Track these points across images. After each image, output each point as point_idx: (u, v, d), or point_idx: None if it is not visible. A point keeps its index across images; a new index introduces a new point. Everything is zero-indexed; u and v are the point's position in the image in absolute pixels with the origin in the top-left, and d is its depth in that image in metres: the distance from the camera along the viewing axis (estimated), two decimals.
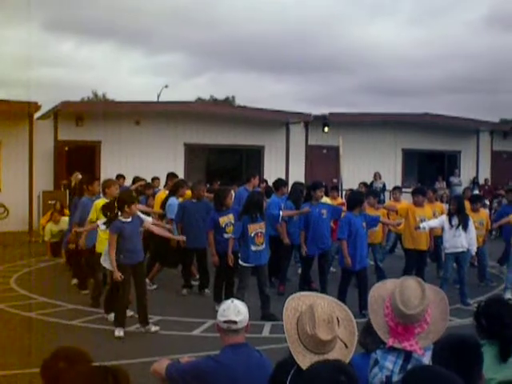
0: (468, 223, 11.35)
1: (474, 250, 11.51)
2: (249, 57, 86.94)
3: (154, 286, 12.04)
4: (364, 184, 17.58)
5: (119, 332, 8.88)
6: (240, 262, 10.00)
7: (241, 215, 10.16)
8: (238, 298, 4.66)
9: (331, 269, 12.60)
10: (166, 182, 14.13)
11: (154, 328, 9.18)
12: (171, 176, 14.09)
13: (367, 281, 10.39)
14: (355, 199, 10.80)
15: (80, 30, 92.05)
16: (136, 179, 15.66)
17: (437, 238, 12.61)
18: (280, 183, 12.78)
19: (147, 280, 10.91)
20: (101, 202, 10.33)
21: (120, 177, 16.23)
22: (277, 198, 12.27)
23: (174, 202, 12.00)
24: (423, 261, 12.19)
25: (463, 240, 11.26)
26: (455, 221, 11.31)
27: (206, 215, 11.32)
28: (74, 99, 28.88)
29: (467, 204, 12.35)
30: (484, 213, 12.98)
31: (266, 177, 22.71)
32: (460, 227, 11.23)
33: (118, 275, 8.78)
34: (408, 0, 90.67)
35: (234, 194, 11.99)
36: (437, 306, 3.59)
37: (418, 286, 3.54)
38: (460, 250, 11.33)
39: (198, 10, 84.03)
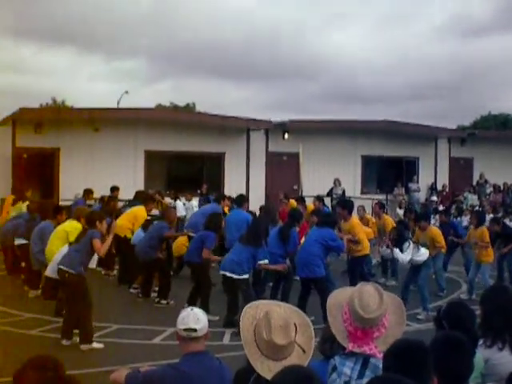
0: (402, 248, 11.52)
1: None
2: (210, 63, 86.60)
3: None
4: (318, 198, 16.07)
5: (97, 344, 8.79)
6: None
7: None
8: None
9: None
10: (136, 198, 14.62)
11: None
12: (140, 194, 14.81)
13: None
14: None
15: (40, 36, 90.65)
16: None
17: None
18: (242, 198, 13.34)
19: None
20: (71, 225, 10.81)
21: (88, 192, 16.16)
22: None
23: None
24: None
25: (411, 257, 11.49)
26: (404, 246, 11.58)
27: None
28: (32, 106, 28.49)
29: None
30: (432, 230, 12.43)
31: (226, 183, 23.35)
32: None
33: None
34: (370, 8, 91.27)
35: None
36: (393, 312, 3.66)
37: (375, 292, 3.60)
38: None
39: (159, 15, 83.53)
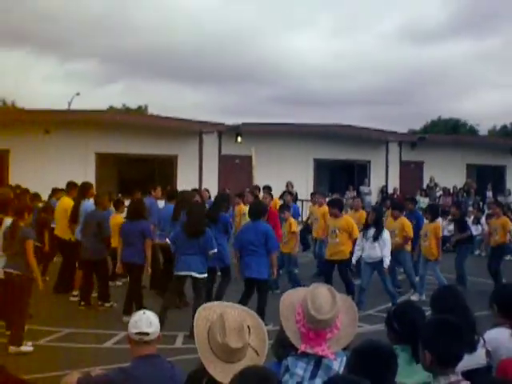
0: (383, 235, 11.39)
1: (386, 262, 11.32)
2: (164, 66, 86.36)
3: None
4: (289, 193, 16.45)
5: (26, 347, 8.49)
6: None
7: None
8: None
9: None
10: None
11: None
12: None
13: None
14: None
15: None
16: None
17: None
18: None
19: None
20: None
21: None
22: None
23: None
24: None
25: (378, 251, 11.31)
26: (372, 232, 11.39)
27: None
28: None
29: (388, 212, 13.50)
30: (401, 221, 12.94)
31: (179, 185, 22.32)
32: (377, 239, 11.33)
33: None
34: (324, 14, 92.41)
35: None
36: (345, 313, 3.70)
37: (328, 293, 3.63)
38: (377, 259, 11.36)
39: (113, 16, 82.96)
